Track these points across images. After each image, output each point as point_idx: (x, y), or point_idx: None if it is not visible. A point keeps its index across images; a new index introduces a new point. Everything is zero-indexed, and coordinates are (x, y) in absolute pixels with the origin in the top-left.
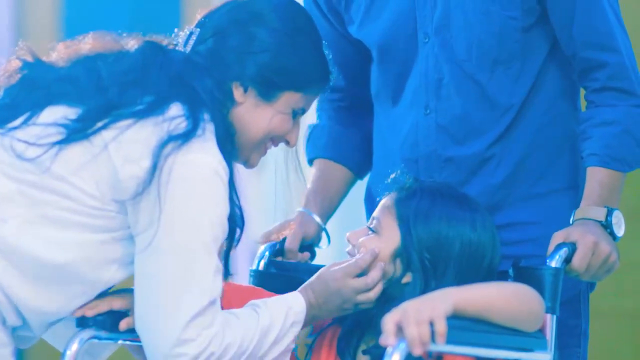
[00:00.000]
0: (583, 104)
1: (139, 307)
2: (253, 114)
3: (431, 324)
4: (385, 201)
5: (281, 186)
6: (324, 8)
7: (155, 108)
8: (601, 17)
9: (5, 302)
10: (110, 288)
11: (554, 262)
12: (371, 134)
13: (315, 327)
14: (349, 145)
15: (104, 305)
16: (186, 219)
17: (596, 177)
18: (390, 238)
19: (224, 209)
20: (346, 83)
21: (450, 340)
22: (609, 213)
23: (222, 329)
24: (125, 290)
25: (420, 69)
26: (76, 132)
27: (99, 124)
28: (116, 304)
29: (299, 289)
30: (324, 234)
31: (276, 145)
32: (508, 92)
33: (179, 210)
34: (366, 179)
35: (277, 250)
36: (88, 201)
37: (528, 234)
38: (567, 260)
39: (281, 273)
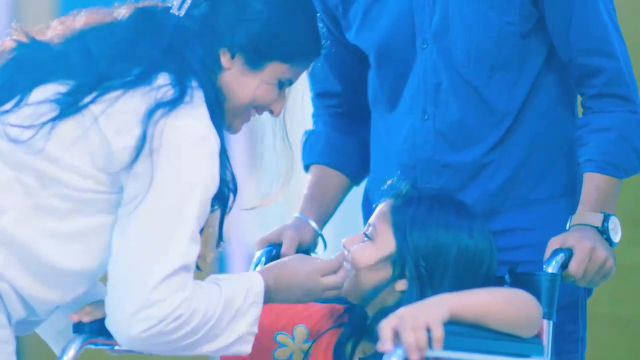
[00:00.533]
0: (580, 110)
1: (112, 268)
2: (239, 81)
3: (428, 330)
4: (381, 208)
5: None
6: (322, 13)
7: (143, 78)
8: (598, 23)
9: (11, 293)
10: None
11: (551, 268)
12: (368, 140)
13: (311, 333)
14: (345, 152)
15: (101, 312)
16: (173, 184)
17: (593, 183)
18: (385, 245)
19: (211, 175)
20: (343, 89)
21: (447, 346)
22: (606, 219)
23: (191, 295)
24: None
25: (418, 74)
26: (68, 107)
27: (90, 97)
28: None
29: (260, 269)
30: (320, 240)
31: (260, 113)
32: (506, 98)
33: (167, 176)
34: (363, 184)
35: (274, 255)
36: (83, 184)
37: (525, 239)
38: (564, 266)
39: None
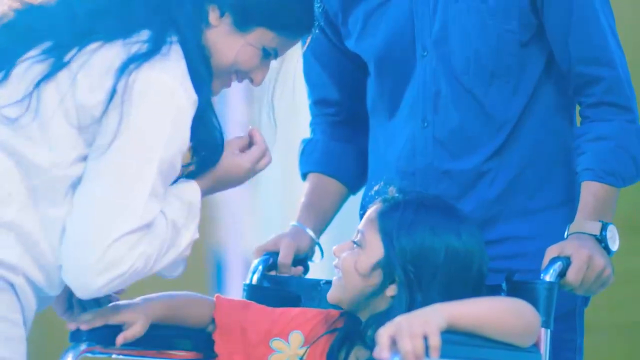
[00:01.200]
0: (578, 119)
1: (70, 221)
2: (224, 40)
3: (425, 338)
4: (369, 214)
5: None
6: (322, 21)
7: (123, 32)
8: (597, 32)
9: (26, 287)
10: (106, 301)
11: (548, 276)
12: (365, 149)
13: (307, 339)
14: (343, 160)
15: (99, 320)
16: (135, 138)
17: (591, 192)
18: (373, 251)
19: (176, 130)
20: (341, 97)
21: (444, 354)
22: (604, 227)
23: (147, 246)
24: (120, 306)
25: (418, 82)
26: (53, 64)
27: (72, 52)
28: (111, 319)
29: (198, 180)
30: (317, 248)
31: (240, 81)
32: (505, 107)
33: (131, 129)
34: (361, 192)
35: (271, 264)
36: (70, 154)
37: (523, 248)
38: (562, 274)
39: (275, 287)
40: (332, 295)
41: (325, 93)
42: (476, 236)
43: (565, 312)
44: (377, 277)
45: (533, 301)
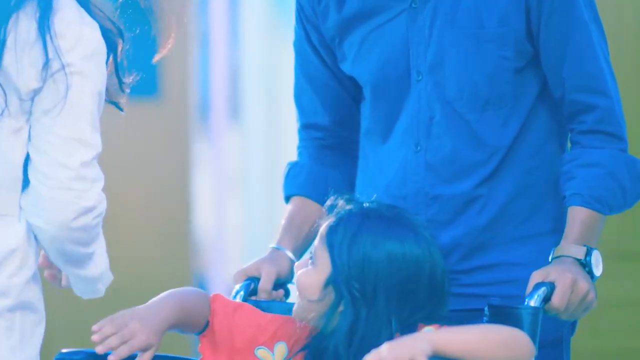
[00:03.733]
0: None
1: (32, 166)
2: None
3: None
4: (321, 229)
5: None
6: (317, 44)
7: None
8: (592, 61)
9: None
10: None
11: (533, 302)
12: (352, 176)
13: (290, 351)
14: (328, 185)
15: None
16: (78, 79)
17: (577, 217)
18: (323, 268)
19: (101, 68)
20: (330, 123)
21: None
22: (588, 252)
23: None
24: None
25: (412, 106)
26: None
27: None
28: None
29: None
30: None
31: None
32: (497, 133)
33: (74, 72)
34: None
35: (252, 289)
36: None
37: (514, 274)
38: (546, 299)
39: None
40: (294, 312)
41: (315, 118)
42: (426, 242)
43: (553, 339)
44: (331, 294)
45: (518, 326)
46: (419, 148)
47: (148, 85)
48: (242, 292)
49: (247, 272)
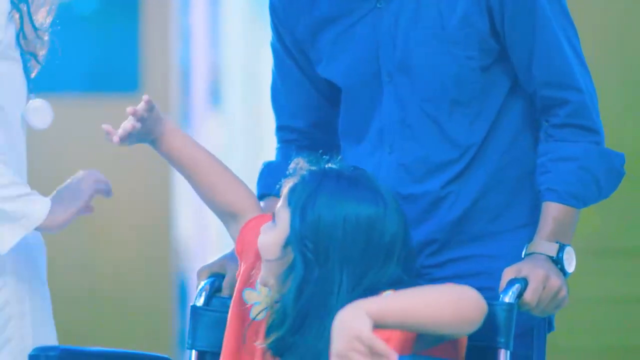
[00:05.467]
0: None
1: None
2: None
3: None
4: (283, 189)
5: None
6: (290, 46)
7: None
8: (560, 57)
9: None
10: None
11: (508, 298)
12: None
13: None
14: None
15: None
16: None
17: (551, 213)
18: (283, 227)
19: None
20: (305, 125)
21: None
22: (561, 249)
23: None
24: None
25: (384, 108)
26: None
27: None
28: None
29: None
30: None
31: None
32: (467, 132)
33: None
34: None
35: (217, 287)
36: None
37: (486, 266)
38: (519, 295)
39: (221, 310)
40: (260, 279)
41: (290, 120)
42: (382, 202)
43: (523, 331)
44: (290, 255)
45: (492, 322)
46: (392, 149)
47: (128, 82)
48: (207, 289)
49: (211, 269)
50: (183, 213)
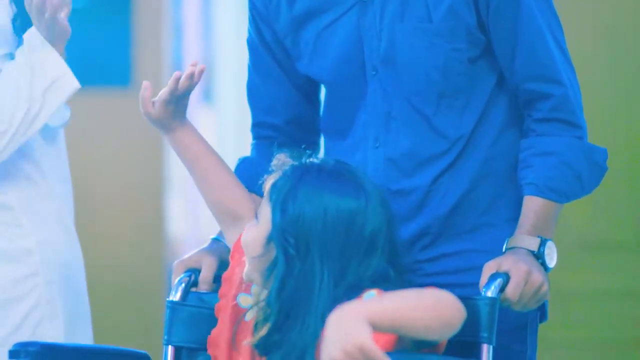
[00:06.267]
0: None
1: None
2: None
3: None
4: (266, 185)
5: None
6: (270, 42)
7: None
8: (544, 50)
9: None
10: None
11: (490, 292)
12: None
13: None
14: None
15: None
16: None
17: (532, 207)
18: (265, 223)
19: None
20: (283, 122)
21: None
22: (542, 243)
23: None
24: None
25: (369, 102)
26: None
27: None
28: None
29: None
30: None
31: None
32: (455, 125)
33: None
34: None
35: (193, 281)
36: None
37: (475, 262)
38: (501, 290)
39: (198, 304)
40: (245, 276)
41: (267, 117)
42: (363, 194)
43: (518, 325)
44: (272, 251)
45: (475, 317)
46: (377, 144)
47: (120, 76)
48: (183, 284)
49: (187, 263)
50: (175, 203)
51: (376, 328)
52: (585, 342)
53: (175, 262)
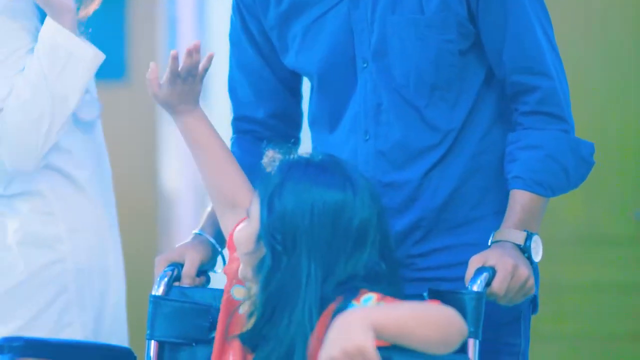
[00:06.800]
0: None
1: None
2: None
3: None
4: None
5: None
6: (255, 34)
7: None
8: (532, 42)
9: None
10: None
11: (476, 287)
12: None
13: None
14: (257, 177)
15: None
16: None
17: (519, 200)
18: (255, 220)
19: None
20: (264, 115)
21: None
22: (529, 237)
23: None
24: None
25: (359, 94)
26: None
27: None
28: None
29: None
30: (219, 258)
31: None
32: (446, 117)
33: None
34: None
35: (176, 276)
36: None
37: (465, 256)
38: (487, 284)
39: (181, 299)
40: (240, 272)
41: (249, 110)
42: (351, 187)
43: (511, 319)
44: (263, 247)
45: (461, 311)
46: (368, 136)
47: (116, 69)
48: (166, 278)
49: (170, 258)
50: (169, 195)
51: (379, 336)
52: (578, 336)
53: (157, 256)
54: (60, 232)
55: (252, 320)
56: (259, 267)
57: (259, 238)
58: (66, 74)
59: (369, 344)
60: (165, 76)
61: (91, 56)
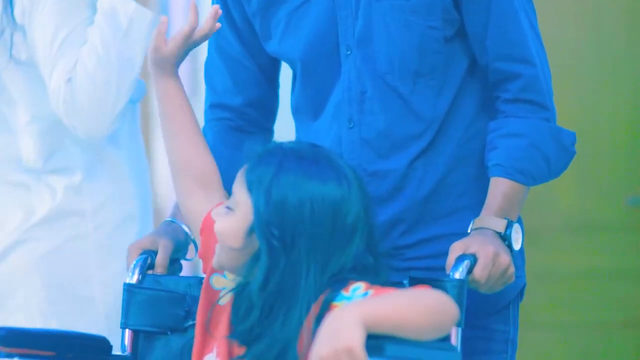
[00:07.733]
0: None
1: None
2: None
3: None
4: (239, 172)
5: None
6: (237, 20)
7: None
8: (515, 29)
9: None
10: None
11: (458, 274)
12: None
13: None
14: (230, 166)
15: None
16: None
17: (499, 188)
18: (245, 213)
19: None
20: (241, 103)
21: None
22: (509, 225)
23: None
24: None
25: (343, 82)
26: None
27: None
28: None
29: None
30: (192, 246)
31: None
32: (431, 105)
33: None
34: None
35: (150, 264)
36: None
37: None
38: (468, 271)
39: (155, 287)
40: (215, 263)
41: (225, 98)
42: (345, 181)
43: (500, 307)
44: (255, 242)
45: None
46: (352, 124)
47: None
48: (139, 266)
49: (142, 245)
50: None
51: (373, 331)
52: (571, 324)
53: (130, 244)
54: (85, 208)
55: (249, 320)
56: (251, 264)
57: (251, 231)
58: (129, 38)
59: (358, 344)
60: (182, 30)
61: (150, 18)
